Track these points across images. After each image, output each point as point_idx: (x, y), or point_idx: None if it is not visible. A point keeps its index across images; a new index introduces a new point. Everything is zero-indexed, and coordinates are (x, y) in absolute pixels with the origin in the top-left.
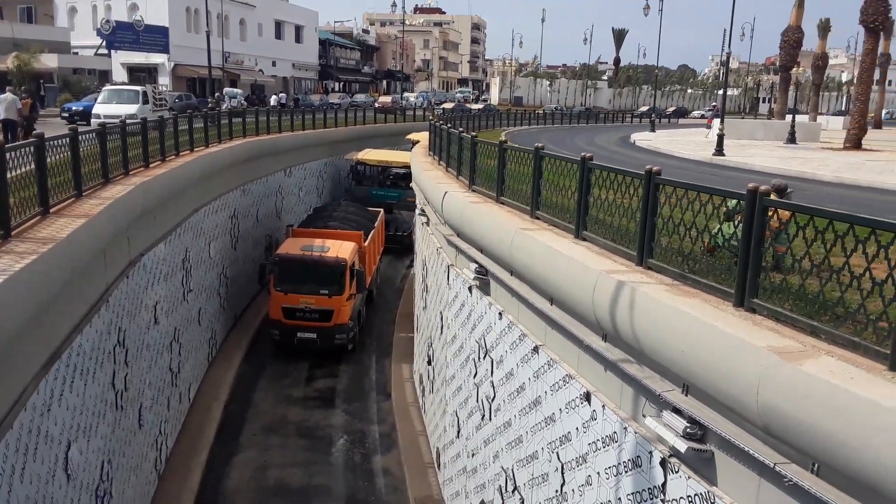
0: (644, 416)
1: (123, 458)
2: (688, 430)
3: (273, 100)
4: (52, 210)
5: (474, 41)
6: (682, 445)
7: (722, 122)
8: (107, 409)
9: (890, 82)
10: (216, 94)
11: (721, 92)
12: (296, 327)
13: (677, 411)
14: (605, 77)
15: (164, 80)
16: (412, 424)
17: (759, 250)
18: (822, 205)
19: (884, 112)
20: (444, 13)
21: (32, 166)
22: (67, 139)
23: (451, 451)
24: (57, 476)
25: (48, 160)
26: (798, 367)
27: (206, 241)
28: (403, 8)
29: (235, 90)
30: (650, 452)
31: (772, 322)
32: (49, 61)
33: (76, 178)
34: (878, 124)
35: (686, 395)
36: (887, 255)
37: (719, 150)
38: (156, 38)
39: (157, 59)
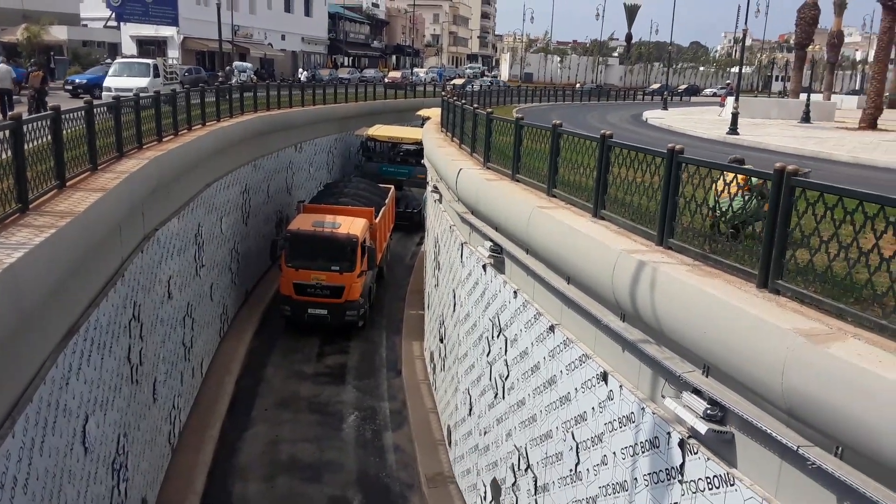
0: (663, 397)
1: (138, 432)
2: (708, 411)
3: (303, 75)
4: (68, 184)
5: (484, 16)
6: (702, 427)
7: (736, 100)
8: (122, 383)
9: None
10: (226, 68)
11: (735, 70)
12: (307, 303)
13: (697, 392)
14: (616, 54)
15: (174, 54)
16: (423, 402)
17: (784, 231)
18: (840, 185)
19: None
20: None
21: (49, 139)
22: (83, 112)
23: (463, 429)
24: (75, 449)
25: (63, 133)
26: (825, 350)
27: (217, 217)
28: None
29: (245, 64)
30: (668, 433)
31: (796, 304)
32: (59, 33)
33: (91, 152)
34: (893, 104)
35: (707, 377)
36: None
37: (733, 129)
38: (165, 10)
39: (166, 31)
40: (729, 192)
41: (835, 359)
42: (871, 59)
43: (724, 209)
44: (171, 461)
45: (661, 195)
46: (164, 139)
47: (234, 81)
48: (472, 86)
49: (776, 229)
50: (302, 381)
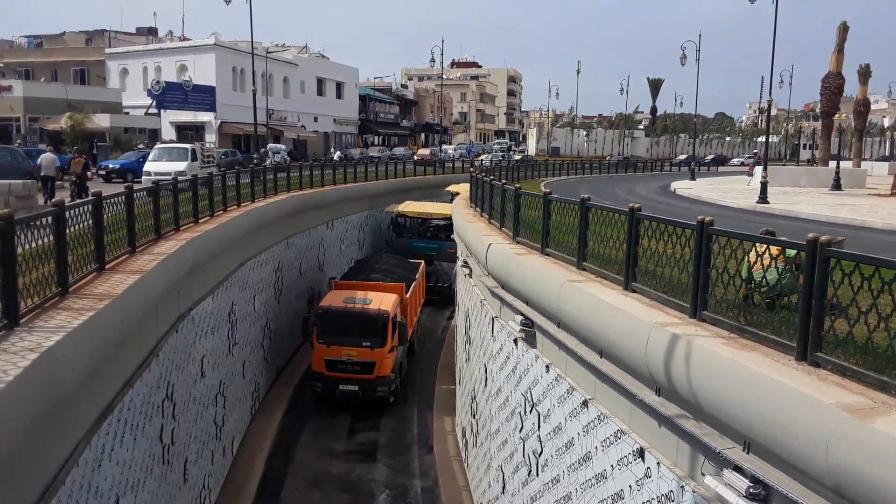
0: (703, 474)
1: None
2: (751, 489)
3: (337, 155)
4: (107, 266)
5: (510, 93)
6: None
7: (765, 169)
8: (154, 463)
9: None
10: (261, 150)
11: (761, 139)
12: (338, 379)
13: (739, 469)
14: (641, 126)
15: (211, 137)
16: (455, 479)
17: (821, 302)
18: (877, 252)
19: None
20: (480, 67)
21: (90, 223)
22: (123, 197)
23: None
24: None
25: (104, 217)
26: (870, 425)
27: (251, 295)
28: (442, 63)
29: (279, 146)
30: None
31: (837, 377)
32: (101, 121)
33: (130, 235)
34: None
35: (748, 453)
36: None
37: (763, 198)
38: (203, 97)
39: (204, 117)
40: (762, 264)
41: (880, 434)
42: None
43: (758, 280)
44: None
45: (693, 267)
46: (200, 220)
47: (268, 163)
48: (483, 161)
49: (812, 300)
50: (333, 459)
